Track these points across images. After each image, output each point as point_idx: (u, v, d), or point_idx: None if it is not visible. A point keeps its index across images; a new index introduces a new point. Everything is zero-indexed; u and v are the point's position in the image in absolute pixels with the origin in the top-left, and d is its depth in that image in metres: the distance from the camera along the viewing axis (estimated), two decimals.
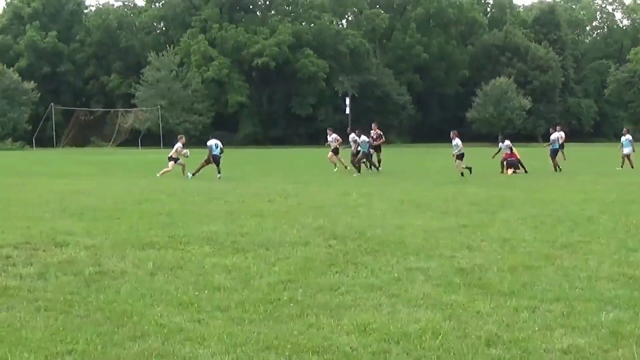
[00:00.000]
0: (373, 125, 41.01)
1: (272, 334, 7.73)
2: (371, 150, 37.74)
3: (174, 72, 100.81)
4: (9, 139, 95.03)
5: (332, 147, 40.01)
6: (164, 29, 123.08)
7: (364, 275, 10.76)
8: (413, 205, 20.68)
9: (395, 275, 10.74)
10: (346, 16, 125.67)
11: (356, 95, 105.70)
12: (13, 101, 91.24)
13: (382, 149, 40.82)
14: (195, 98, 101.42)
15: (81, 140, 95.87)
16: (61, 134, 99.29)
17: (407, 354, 7.17)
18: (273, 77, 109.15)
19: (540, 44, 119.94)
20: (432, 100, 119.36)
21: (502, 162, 37.75)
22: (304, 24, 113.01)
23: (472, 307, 8.89)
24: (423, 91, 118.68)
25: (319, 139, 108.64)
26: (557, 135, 40.74)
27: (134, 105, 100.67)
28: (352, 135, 38.55)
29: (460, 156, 35.52)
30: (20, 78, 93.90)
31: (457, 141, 35.82)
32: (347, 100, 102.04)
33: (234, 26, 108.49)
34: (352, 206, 20.48)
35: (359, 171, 36.30)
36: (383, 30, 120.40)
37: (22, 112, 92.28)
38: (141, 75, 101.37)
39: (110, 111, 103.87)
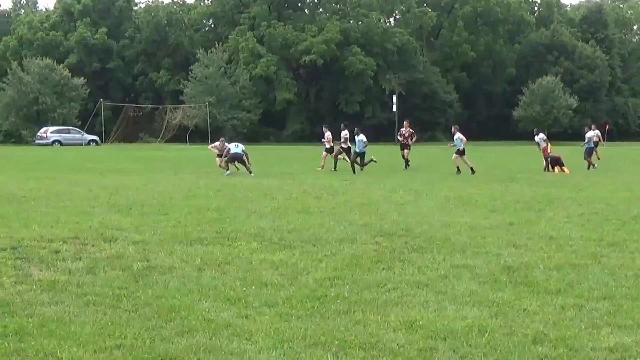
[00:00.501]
0: (405, 123, 40.60)
1: (319, 330, 7.75)
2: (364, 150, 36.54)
3: (222, 69, 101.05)
4: None
5: (327, 147, 39.24)
6: (212, 26, 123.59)
7: (410, 272, 10.76)
8: (460, 203, 20.61)
9: (442, 272, 10.73)
10: (394, 14, 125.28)
11: (403, 93, 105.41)
12: (63, 97, 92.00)
13: (411, 147, 40.22)
14: (243, 95, 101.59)
15: (130, 136, 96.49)
16: (110, 129, 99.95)
17: (454, 351, 7.16)
18: (321, 74, 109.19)
19: (587, 42, 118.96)
20: (479, 98, 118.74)
21: (546, 159, 37.45)
22: (351, 21, 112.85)
23: (519, 305, 8.86)
24: (470, 89, 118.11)
25: (366, 136, 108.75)
26: (593, 133, 40.39)
27: (182, 102, 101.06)
28: (345, 132, 37.94)
29: (462, 152, 35.42)
30: (70, 74, 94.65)
31: (459, 135, 35.88)
32: (394, 98, 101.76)
33: (282, 24, 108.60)
34: (399, 203, 20.47)
35: (354, 171, 34.93)
36: (430, 29, 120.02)
37: (72, 108, 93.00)
38: (190, 72, 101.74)
39: (158, 107, 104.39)
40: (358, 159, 35.75)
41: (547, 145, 37.95)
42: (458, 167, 34.87)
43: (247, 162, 33.19)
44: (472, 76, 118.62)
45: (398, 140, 40.42)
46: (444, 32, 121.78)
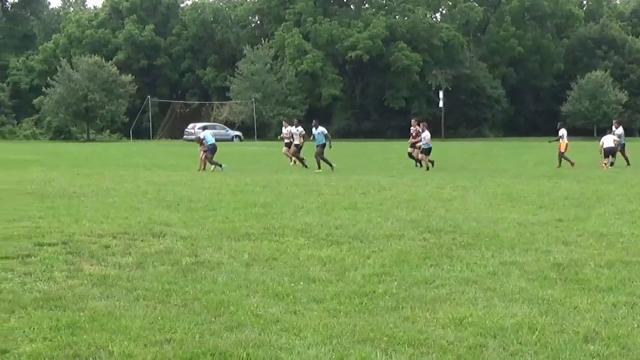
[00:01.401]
0: (413, 121, 39.50)
1: (368, 326, 7.74)
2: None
3: (268, 65, 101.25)
4: (107, 131, 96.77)
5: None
6: (258, 22, 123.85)
7: (458, 268, 10.72)
8: (508, 199, 20.50)
9: (491, 269, 10.67)
10: (440, 9, 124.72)
11: (449, 89, 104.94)
12: (111, 94, 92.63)
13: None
14: (289, 91, 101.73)
15: (177, 132, 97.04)
16: (157, 126, 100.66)
17: (504, 348, 7.13)
18: (366, 70, 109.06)
19: (637, 37, 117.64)
20: (526, 93, 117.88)
21: (560, 154, 37.34)
22: (397, 17, 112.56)
23: (569, 303, 8.79)
24: (517, 84, 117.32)
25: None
26: (622, 130, 39.88)
27: (229, 98, 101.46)
28: (299, 128, 37.11)
29: (427, 151, 35.06)
30: (118, 71, 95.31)
31: (426, 134, 35.43)
32: (441, 94, 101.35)
33: (328, 20, 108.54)
34: (446, 199, 20.40)
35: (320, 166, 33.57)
36: (477, 23, 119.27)
37: (120, 105, 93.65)
38: (236, 69, 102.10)
39: (205, 104, 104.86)
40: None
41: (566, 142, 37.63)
42: (427, 167, 34.55)
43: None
44: (519, 71, 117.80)
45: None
46: (490, 27, 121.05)
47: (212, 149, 32.55)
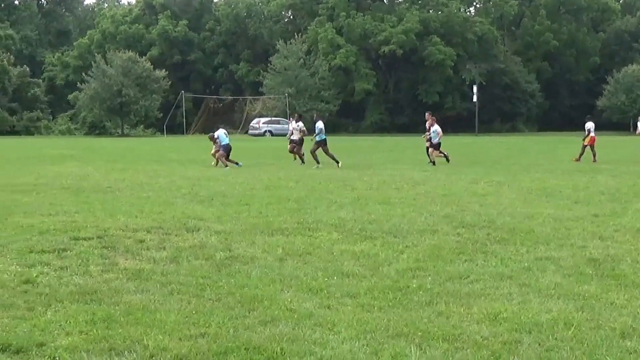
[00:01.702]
0: (427, 114, 38.17)
1: (402, 321, 7.72)
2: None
3: (301, 60, 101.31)
4: (141, 126, 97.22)
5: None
6: (291, 17, 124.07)
7: (493, 264, 10.67)
8: (542, 194, 20.39)
9: (525, 264, 10.61)
10: (474, 3, 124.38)
11: (484, 83, 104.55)
12: (145, 89, 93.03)
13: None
14: (322, 86, 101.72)
15: (210, 127, 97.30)
16: (191, 121, 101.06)
17: (539, 344, 7.08)
18: (400, 64, 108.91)
19: None
20: (561, 87, 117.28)
21: (584, 147, 37.43)
22: (431, 11, 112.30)
23: (606, 298, 8.71)
24: (552, 78, 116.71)
25: (445, 127, 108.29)
26: None
27: (262, 93, 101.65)
28: (300, 123, 35.67)
29: (437, 146, 34.66)
30: (152, 66, 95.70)
31: (436, 127, 34.97)
32: (475, 88, 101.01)
33: (361, 14, 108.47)
34: (481, 194, 20.31)
35: (318, 162, 32.29)
36: (512, 17, 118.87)
37: (153, 100, 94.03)
38: (269, 63, 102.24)
39: (239, 99, 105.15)
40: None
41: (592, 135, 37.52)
42: (434, 161, 34.09)
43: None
44: (554, 65, 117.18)
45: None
46: (525, 20, 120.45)
47: (225, 149, 32.18)
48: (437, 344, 7.04)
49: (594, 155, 36.42)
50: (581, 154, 36.91)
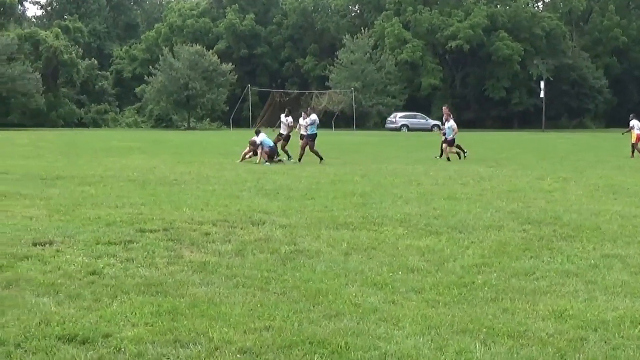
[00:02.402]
0: (444, 108, 37.45)
1: (467, 317, 7.68)
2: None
3: (367, 54, 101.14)
4: (207, 119, 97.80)
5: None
6: (358, 11, 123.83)
7: (559, 260, 10.57)
8: (610, 191, 20.16)
9: (592, 261, 10.51)
10: None
11: (551, 79, 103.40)
12: (212, 82, 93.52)
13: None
14: (389, 80, 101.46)
15: (276, 121, 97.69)
16: (257, 114, 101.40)
17: (605, 342, 7.00)
18: (467, 59, 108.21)
19: None
20: (630, 84, 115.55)
21: (632, 145, 37.33)
22: (499, 6, 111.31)
23: None
24: (620, 75, 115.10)
25: (512, 123, 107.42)
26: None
27: (328, 87, 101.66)
28: (289, 118, 34.59)
29: (452, 142, 34.00)
30: (219, 60, 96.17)
31: (452, 123, 34.23)
32: (542, 84, 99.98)
33: (428, 9, 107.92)
34: (547, 190, 20.15)
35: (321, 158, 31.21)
36: (580, 13, 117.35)
37: (220, 93, 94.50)
38: (335, 58, 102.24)
39: (305, 93, 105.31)
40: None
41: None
42: (448, 157, 33.56)
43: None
44: (623, 61, 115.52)
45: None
46: (594, 16, 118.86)
47: (271, 150, 31.08)
48: (502, 340, 7.00)
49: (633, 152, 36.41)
50: (633, 151, 36.67)
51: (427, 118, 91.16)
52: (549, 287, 9.03)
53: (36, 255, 10.47)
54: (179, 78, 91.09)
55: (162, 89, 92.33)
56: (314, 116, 32.72)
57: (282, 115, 35.23)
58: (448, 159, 33.29)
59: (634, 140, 37.08)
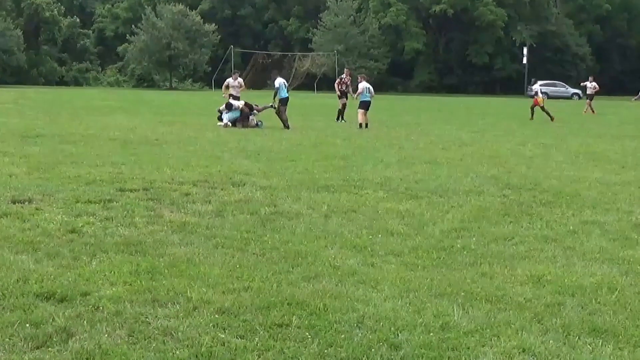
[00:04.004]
0: (345, 70, 37.70)
1: (445, 280, 7.70)
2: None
3: (351, 17, 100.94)
4: (189, 80, 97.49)
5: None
6: None
7: (538, 226, 10.61)
8: (590, 158, 20.23)
9: (571, 227, 10.54)
10: None
11: (534, 45, 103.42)
12: (194, 43, 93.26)
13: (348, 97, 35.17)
14: (372, 44, 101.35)
15: (258, 82, 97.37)
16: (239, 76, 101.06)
17: (582, 307, 7.03)
18: (450, 24, 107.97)
19: None
20: (613, 51, 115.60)
21: (531, 108, 40.28)
22: None
23: None
24: (603, 42, 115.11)
25: (494, 89, 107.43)
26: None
27: (311, 50, 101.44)
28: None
29: (365, 105, 30.71)
30: (202, 20, 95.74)
31: (364, 85, 31.43)
32: (525, 50, 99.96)
33: None
34: (528, 156, 20.20)
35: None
36: None
37: (202, 54, 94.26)
38: (319, 20, 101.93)
39: (287, 55, 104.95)
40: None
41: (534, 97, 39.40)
42: (361, 124, 30.20)
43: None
44: (606, 29, 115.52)
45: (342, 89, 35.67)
46: None
47: (284, 102, 29.74)
48: (479, 304, 7.02)
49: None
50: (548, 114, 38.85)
51: (567, 86, 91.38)
52: (528, 253, 9.06)
53: (15, 212, 10.43)
54: (161, 38, 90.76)
55: (145, 49, 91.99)
56: (277, 81, 30.63)
57: (230, 80, 33.15)
58: (361, 126, 30.04)
59: (540, 104, 39.62)
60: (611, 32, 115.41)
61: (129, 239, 9.14)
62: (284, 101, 30.01)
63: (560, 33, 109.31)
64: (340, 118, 34.51)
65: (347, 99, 35.03)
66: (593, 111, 46.64)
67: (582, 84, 44.53)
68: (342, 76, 36.75)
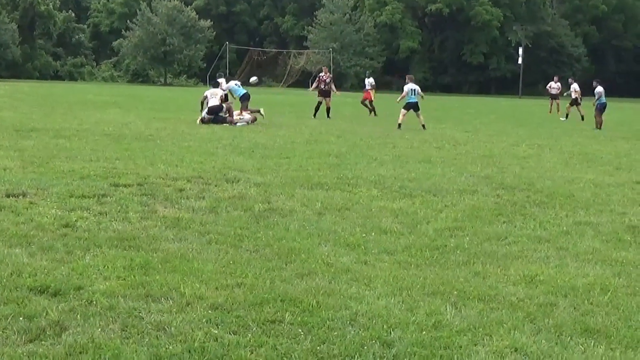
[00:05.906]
0: (324, 68, 38.00)
1: (438, 279, 7.72)
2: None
3: (347, 15, 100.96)
4: (184, 76, 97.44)
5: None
6: None
7: (531, 226, 10.63)
8: (584, 159, 20.27)
9: (564, 228, 10.57)
10: None
11: (529, 45, 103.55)
12: (189, 39, 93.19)
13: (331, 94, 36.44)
14: (367, 42, 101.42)
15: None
16: (234, 72, 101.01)
17: (575, 308, 7.05)
18: (446, 24, 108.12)
19: None
20: (608, 53, 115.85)
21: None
22: None
23: None
24: (599, 43, 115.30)
25: (489, 88, 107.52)
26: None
27: (306, 47, 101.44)
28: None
29: (411, 106, 30.50)
30: (197, 16, 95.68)
31: (410, 86, 30.92)
32: (520, 50, 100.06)
33: None
34: (522, 157, 20.24)
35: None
36: None
37: (197, 50, 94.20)
38: (315, 18, 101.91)
39: (282, 52, 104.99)
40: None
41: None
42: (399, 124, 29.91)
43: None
44: (601, 30, 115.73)
45: (320, 88, 36.05)
46: None
47: (245, 98, 30.35)
48: (472, 303, 7.03)
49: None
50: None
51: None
52: (521, 252, 9.08)
53: (9, 206, 10.42)
54: (156, 33, 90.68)
55: (140, 44, 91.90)
56: (228, 84, 30.95)
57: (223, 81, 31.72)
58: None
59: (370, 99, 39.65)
60: (607, 33, 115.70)
61: (123, 234, 9.14)
62: (246, 97, 30.73)
63: (555, 34, 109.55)
64: (315, 114, 35.01)
65: (330, 97, 35.58)
66: (558, 111, 45.97)
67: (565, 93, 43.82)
68: (321, 75, 36.58)
